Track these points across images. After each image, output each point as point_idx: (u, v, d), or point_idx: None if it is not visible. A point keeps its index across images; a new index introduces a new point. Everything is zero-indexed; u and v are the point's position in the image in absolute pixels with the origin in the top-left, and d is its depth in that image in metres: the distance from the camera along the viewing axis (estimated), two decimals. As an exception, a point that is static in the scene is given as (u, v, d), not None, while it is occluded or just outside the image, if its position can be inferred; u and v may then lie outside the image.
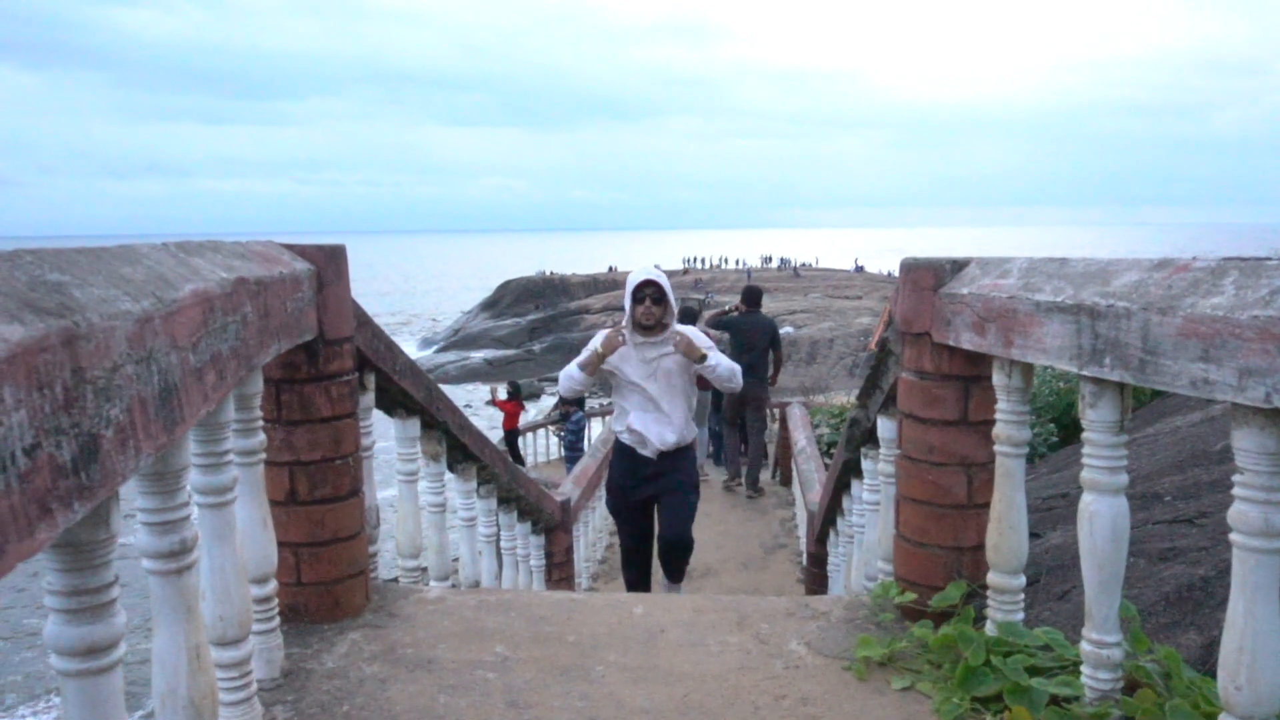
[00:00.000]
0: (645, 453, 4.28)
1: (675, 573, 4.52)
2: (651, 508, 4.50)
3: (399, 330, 50.70)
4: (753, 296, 9.13)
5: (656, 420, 4.24)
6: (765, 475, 11.15)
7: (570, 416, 13.66)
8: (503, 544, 4.42)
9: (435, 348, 47.28)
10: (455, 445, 3.32)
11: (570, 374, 4.16)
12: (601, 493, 8.03)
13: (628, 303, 4.19)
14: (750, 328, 8.87)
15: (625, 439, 4.34)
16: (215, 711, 1.41)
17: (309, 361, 2.25)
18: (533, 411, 23.29)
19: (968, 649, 1.98)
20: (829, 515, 4.54)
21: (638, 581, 4.69)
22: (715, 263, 72.29)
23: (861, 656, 2.15)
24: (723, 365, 4.15)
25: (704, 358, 4.09)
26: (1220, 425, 4.18)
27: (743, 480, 9.74)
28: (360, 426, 2.49)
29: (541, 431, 16.38)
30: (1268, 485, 1.31)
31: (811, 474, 7.10)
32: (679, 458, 4.34)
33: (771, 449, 11.82)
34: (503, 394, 15.64)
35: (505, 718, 1.94)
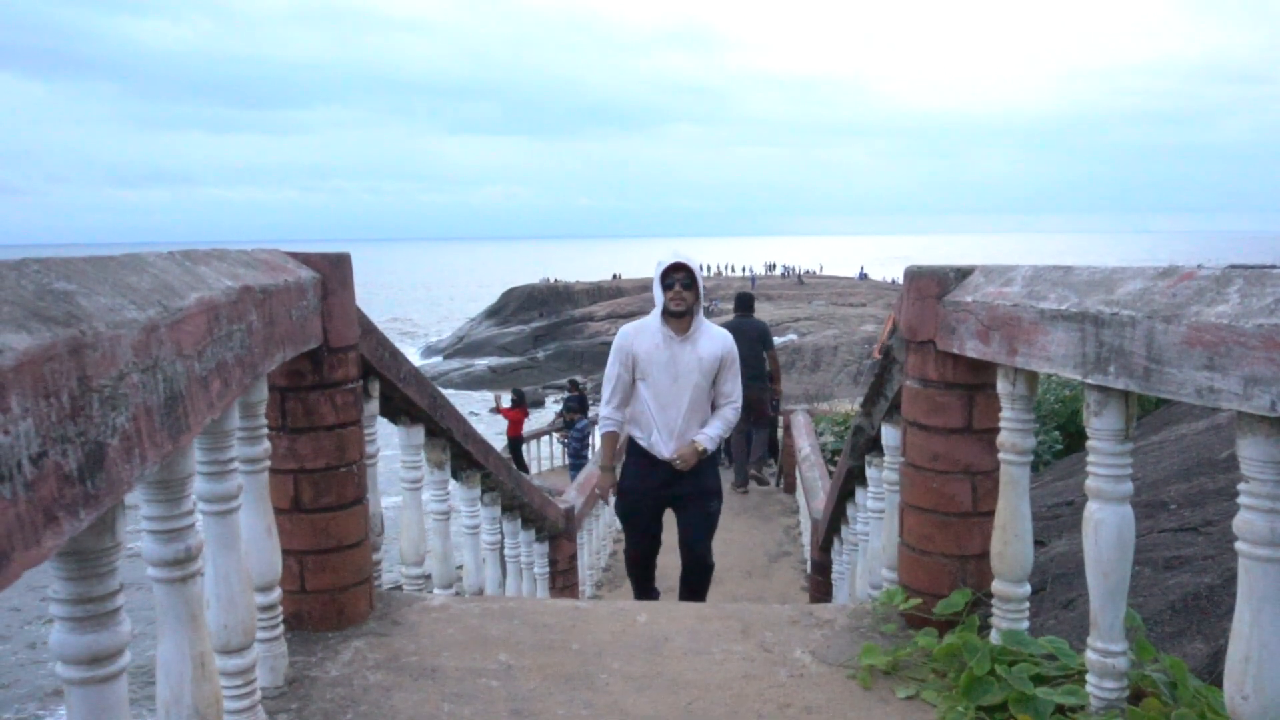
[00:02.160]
0: (665, 456, 4.08)
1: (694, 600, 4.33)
2: (663, 513, 4.28)
3: (403, 338, 50.78)
4: (744, 302, 9.66)
5: (678, 423, 4.04)
6: (771, 484, 11.16)
7: (575, 424, 13.66)
8: (506, 552, 4.42)
9: (439, 355, 47.34)
10: (459, 453, 3.32)
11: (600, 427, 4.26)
12: (605, 500, 8.02)
13: (657, 290, 4.01)
14: (740, 331, 9.08)
15: (643, 442, 4.15)
16: (220, 719, 1.41)
17: (314, 369, 2.26)
18: (535, 418, 23.27)
19: (972, 658, 1.98)
20: (833, 523, 4.54)
21: (641, 595, 4.49)
22: (718, 270, 72.54)
23: (866, 665, 2.14)
24: (720, 431, 4.13)
25: (705, 450, 4.10)
26: (1226, 433, 4.17)
27: (747, 481, 10.12)
28: (364, 434, 2.49)
29: (545, 438, 16.38)
30: (1273, 494, 1.31)
31: (815, 481, 7.10)
32: (700, 464, 4.14)
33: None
34: (507, 401, 15.65)
35: (509, 726, 1.93)
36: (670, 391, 4.03)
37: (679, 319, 4.01)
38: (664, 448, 4.08)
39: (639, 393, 4.12)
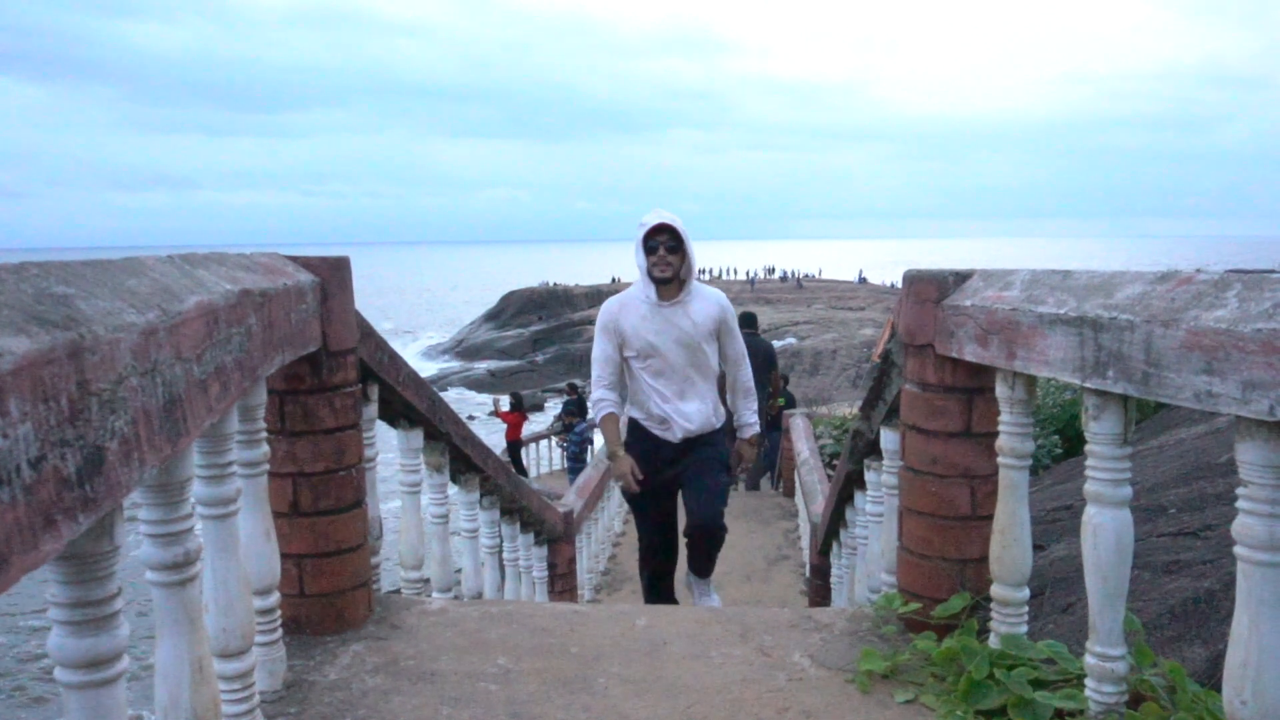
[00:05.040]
0: (668, 437, 3.74)
1: (703, 564, 3.92)
2: (675, 493, 3.91)
3: (401, 341, 50.78)
4: (748, 320, 9.75)
5: (680, 397, 3.70)
6: (767, 486, 11.19)
7: (573, 427, 13.66)
8: (505, 555, 4.41)
9: (438, 358, 47.34)
10: (458, 456, 3.32)
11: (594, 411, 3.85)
12: (605, 503, 8.01)
13: (639, 254, 3.63)
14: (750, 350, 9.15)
15: (644, 421, 3.79)
16: (217, 723, 1.41)
17: (312, 373, 2.26)
18: (534, 422, 23.25)
19: (971, 662, 1.98)
20: (832, 527, 4.54)
21: (657, 582, 4.10)
22: (718, 273, 72.74)
23: (864, 669, 2.14)
24: (749, 404, 3.91)
25: (756, 435, 3.94)
26: (1225, 437, 4.18)
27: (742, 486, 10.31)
28: (363, 438, 2.49)
29: (544, 442, 16.38)
30: (1272, 498, 1.31)
31: (814, 485, 7.10)
32: (707, 437, 3.80)
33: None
34: (505, 405, 15.65)
35: (508, 730, 1.93)
36: (667, 363, 3.67)
37: (665, 285, 3.64)
38: (669, 427, 3.74)
39: (634, 371, 3.77)
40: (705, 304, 3.72)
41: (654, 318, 3.65)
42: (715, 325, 3.71)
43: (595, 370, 3.79)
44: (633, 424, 3.90)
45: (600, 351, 3.77)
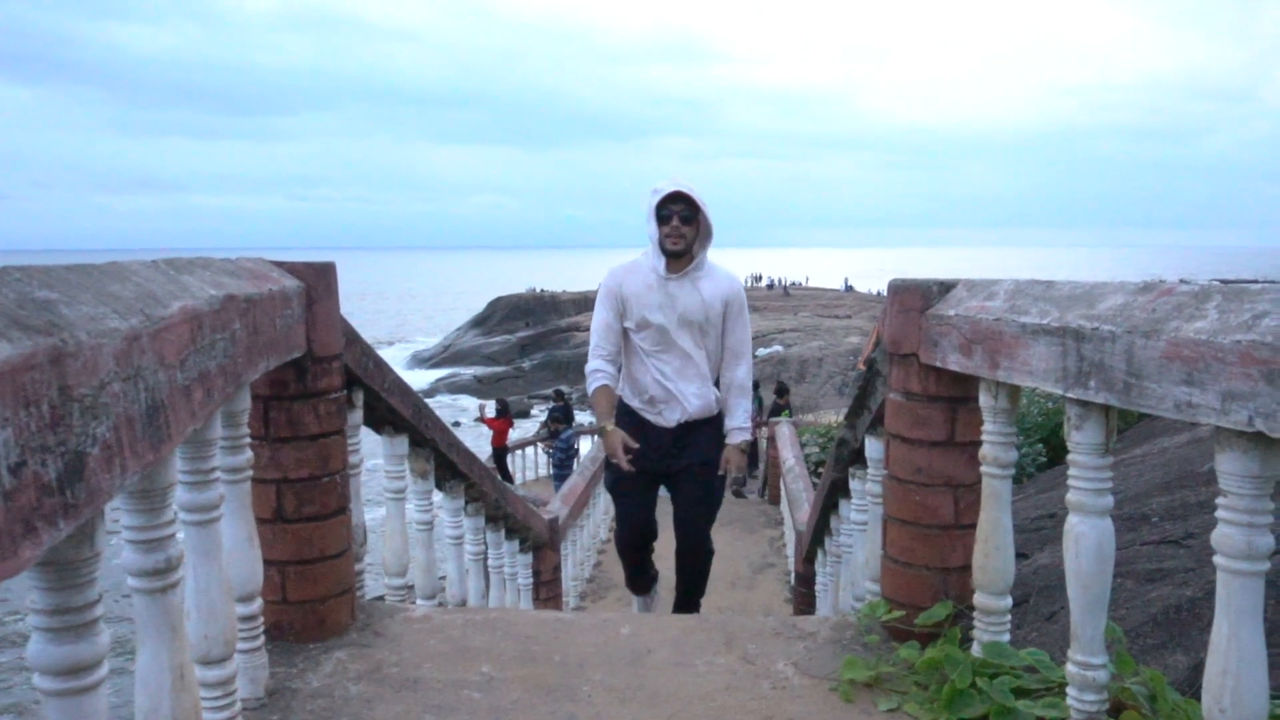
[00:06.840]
0: (661, 423, 3.51)
1: (689, 598, 3.79)
2: (658, 485, 3.71)
3: (387, 346, 50.65)
4: None
5: (679, 375, 3.48)
6: (754, 497, 11.21)
7: (559, 434, 13.65)
8: (490, 562, 4.40)
9: (425, 364, 47.20)
10: (443, 463, 3.31)
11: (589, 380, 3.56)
12: (591, 510, 8.00)
13: (650, 223, 3.40)
14: None
15: (637, 406, 3.56)
16: (198, 731, 1.40)
17: (297, 379, 2.25)
18: (520, 428, 23.19)
19: (954, 670, 1.98)
20: (817, 535, 4.54)
21: (637, 574, 3.93)
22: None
23: (848, 678, 2.14)
24: (744, 406, 3.64)
25: (747, 442, 3.66)
26: (1207, 447, 4.21)
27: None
28: (348, 444, 2.48)
29: (530, 449, 16.36)
30: (1251, 508, 1.32)
31: (800, 493, 7.12)
32: (703, 428, 3.56)
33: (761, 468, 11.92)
34: (491, 411, 15.63)
35: (491, 738, 1.93)
36: (668, 340, 3.46)
37: (676, 261, 3.42)
38: (664, 409, 3.52)
39: (631, 346, 3.54)
40: (716, 283, 3.51)
41: (660, 290, 3.44)
42: (724, 307, 3.51)
43: (594, 340, 3.56)
44: (623, 408, 3.65)
45: (600, 320, 3.55)
